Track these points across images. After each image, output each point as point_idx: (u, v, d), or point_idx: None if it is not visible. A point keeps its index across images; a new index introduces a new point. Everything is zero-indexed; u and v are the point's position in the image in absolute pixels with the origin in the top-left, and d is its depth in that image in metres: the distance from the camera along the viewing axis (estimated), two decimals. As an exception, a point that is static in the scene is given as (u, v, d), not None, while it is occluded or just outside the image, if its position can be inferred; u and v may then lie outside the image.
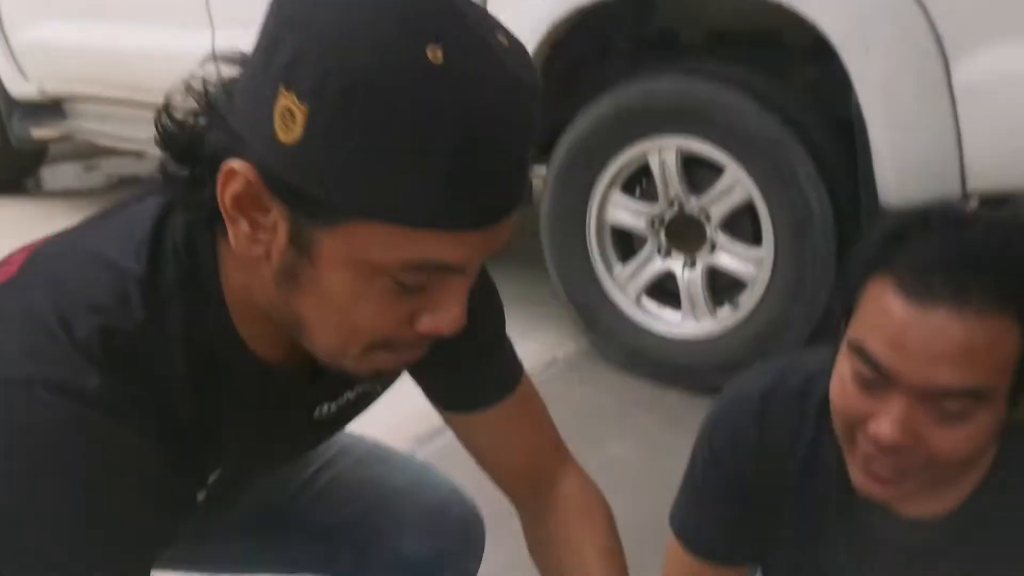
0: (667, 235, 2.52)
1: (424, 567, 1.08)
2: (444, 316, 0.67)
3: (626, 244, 2.62)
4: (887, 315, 0.80)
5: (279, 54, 0.60)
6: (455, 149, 0.59)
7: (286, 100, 0.59)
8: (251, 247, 0.65)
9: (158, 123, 0.69)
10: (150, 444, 0.66)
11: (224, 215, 0.64)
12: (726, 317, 2.47)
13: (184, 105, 0.68)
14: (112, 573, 0.65)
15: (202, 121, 0.67)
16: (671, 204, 2.47)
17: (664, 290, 2.59)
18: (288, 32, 0.60)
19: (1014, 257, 0.80)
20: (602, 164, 2.47)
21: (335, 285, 0.65)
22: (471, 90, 0.59)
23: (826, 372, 0.90)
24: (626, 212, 2.54)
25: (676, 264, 2.54)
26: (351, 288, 0.65)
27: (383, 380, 0.87)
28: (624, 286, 2.59)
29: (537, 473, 0.99)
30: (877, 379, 0.81)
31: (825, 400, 0.91)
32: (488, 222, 0.63)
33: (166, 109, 0.69)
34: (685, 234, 2.50)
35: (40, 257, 0.72)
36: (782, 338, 2.34)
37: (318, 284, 0.65)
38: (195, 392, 0.69)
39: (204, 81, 0.68)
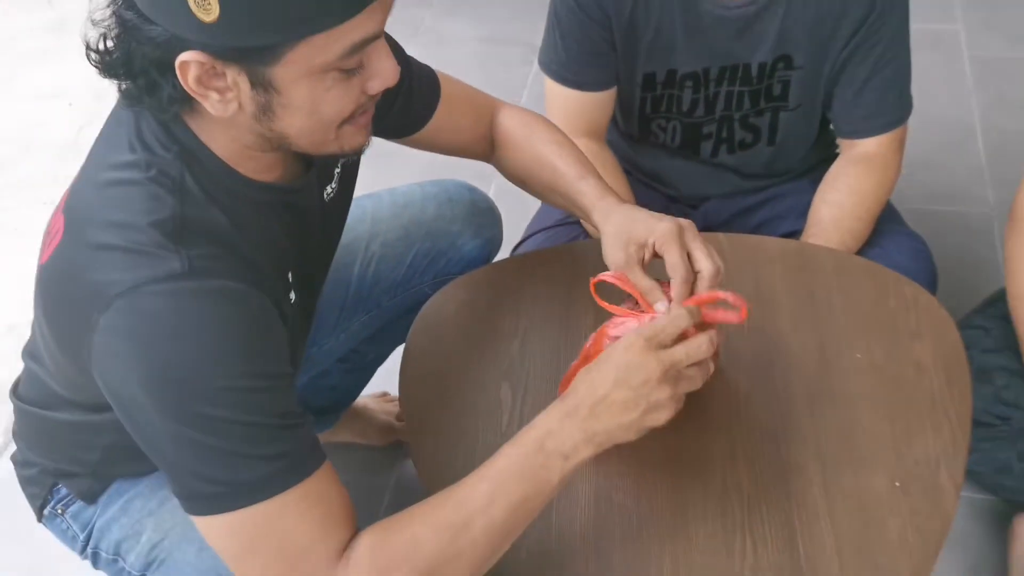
0: None
1: (482, 252, 1.38)
2: (386, 72, 0.84)
3: None
4: None
5: None
6: None
7: None
8: (225, 108, 0.80)
9: (89, 58, 0.83)
10: (241, 281, 0.81)
11: (193, 95, 0.79)
12: None
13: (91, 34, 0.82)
14: (277, 381, 0.82)
15: (123, 43, 0.80)
16: None
17: None
18: None
19: None
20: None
21: (300, 98, 0.80)
22: None
23: None
24: None
25: None
26: (312, 94, 0.81)
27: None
28: None
29: (486, 130, 1.22)
30: None
31: None
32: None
33: (88, 46, 0.82)
34: None
35: (73, 213, 0.86)
36: None
37: (288, 104, 0.81)
38: (241, 231, 0.85)
39: (112, 12, 0.80)
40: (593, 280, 1.00)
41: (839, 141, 1.44)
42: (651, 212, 1.05)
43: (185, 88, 0.78)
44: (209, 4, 0.72)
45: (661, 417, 0.85)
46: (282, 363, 0.84)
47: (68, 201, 0.88)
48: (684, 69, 1.37)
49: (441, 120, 1.17)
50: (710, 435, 1.02)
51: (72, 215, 0.86)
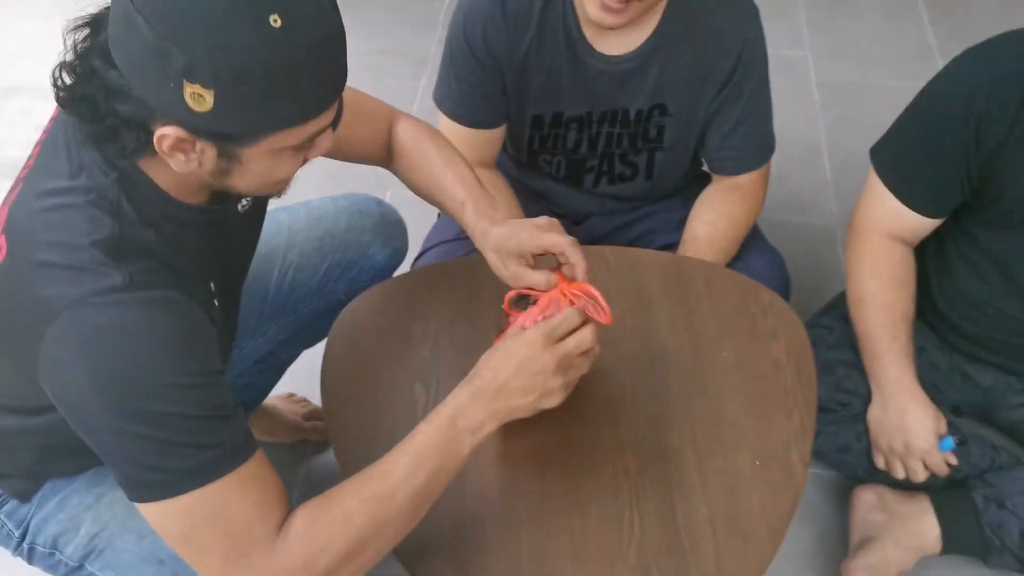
0: None
1: (390, 261, 1.49)
2: (324, 145, 0.96)
3: None
4: None
5: (172, 61, 0.80)
6: (312, 73, 0.85)
7: (192, 89, 0.81)
8: (187, 166, 0.90)
9: (57, 91, 0.90)
10: (174, 290, 0.90)
11: (161, 153, 0.88)
12: None
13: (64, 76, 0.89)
14: (212, 378, 0.91)
15: (91, 88, 0.86)
16: None
17: None
18: (175, 47, 0.80)
19: None
20: None
21: (258, 168, 0.92)
22: (305, 32, 0.83)
23: None
24: None
25: None
26: (268, 165, 0.92)
27: None
28: None
29: (384, 140, 1.31)
30: None
31: None
32: (335, 100, 0.92)
33: (56, 85, 0.89)
34: None
35: (15, 235, 0.93)
36: None
37: (245, 171, 0.92)
38: (171, 247, 0.94)
39: (86, 61, 0.87)
40: (508, 296, 1.14)
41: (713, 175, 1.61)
42: (522, 222, 1.18)
43: (156, 147, 0.87)
44: (203, 99, 0.81)
45: (554, 400, 1.01)
46: (215, 361, 0.93)
47: (8, 223, 0.94)
48: (570, 112, 1.49)
49: (342, 132, 1.22)
50: (601, 426, 1.16)
51: (14, 236, 0.93)
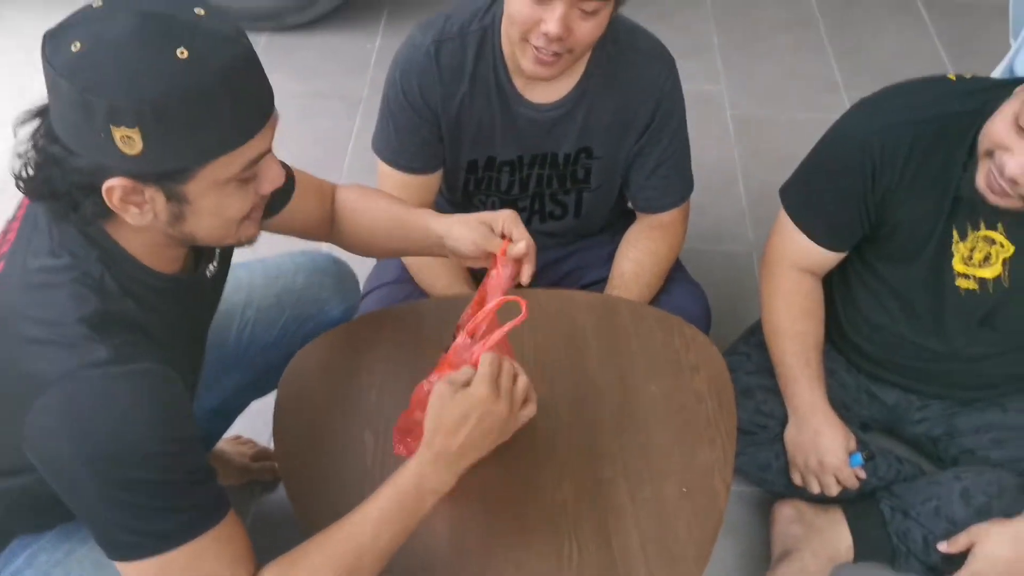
0: None
1: (345, 316, 1.55)
2: (273, 176, 1.01)
3: None
4: None
5: (96, 110, 0.86)
6: (230, 98, 0.90)
7: (119, 132, 0.86)
8: (143, 218, 0.95)
9: (18, 186, 0.96)
10: (156, 361, 0.95)
11: (115, 210, 0.93)
12: None
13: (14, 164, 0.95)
14: (189, 444, 0.97)
15: (46, 170, 0.92)
16: None
17: None
18: (93, 96, 0.85)
19: None
20: None
21: (208, 205, 0.96)
22: (213, 59, 0.88)
23: (476, 18, 1.48)
24: None
25: None
26: (217, 201, 0.96)
27: None
28: None
29: (328, 213, 1.38)
30: None
31: (480, 36, 1.48)
32: (263, 124, 0.96)
33: (15, 176, 0.95)
34: None
35: (2, 307, 0.97)
36: None
37: (197, 211, 0.96)
38: (150, 315, 1.00)
39: (37, 145, 0.93)
40: (458, 324, 1.21)
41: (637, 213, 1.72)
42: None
43: (109, 205, 0.93)
44: (133, 140, 0.87)
45: (508, 434, 1.09)
46: (192, 427, 0.99)
47: None
48: (502, 157, 1.59)
49: (292, 206, 1.33)
50: (540, 460, 1.25)
51: (2, 315, 0.97)
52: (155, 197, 0.93)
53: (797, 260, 1.59)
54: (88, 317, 0.93)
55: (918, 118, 1.41)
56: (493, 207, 1.68)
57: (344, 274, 1.57)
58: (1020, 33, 2.08)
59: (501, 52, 1.49)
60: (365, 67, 2.89)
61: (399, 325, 1.43)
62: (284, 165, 1.33)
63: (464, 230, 1.25)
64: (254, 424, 1.69)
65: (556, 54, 1.36)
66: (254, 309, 1.48)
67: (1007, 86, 1.34)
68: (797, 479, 1.61)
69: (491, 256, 1.24)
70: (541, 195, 1.66)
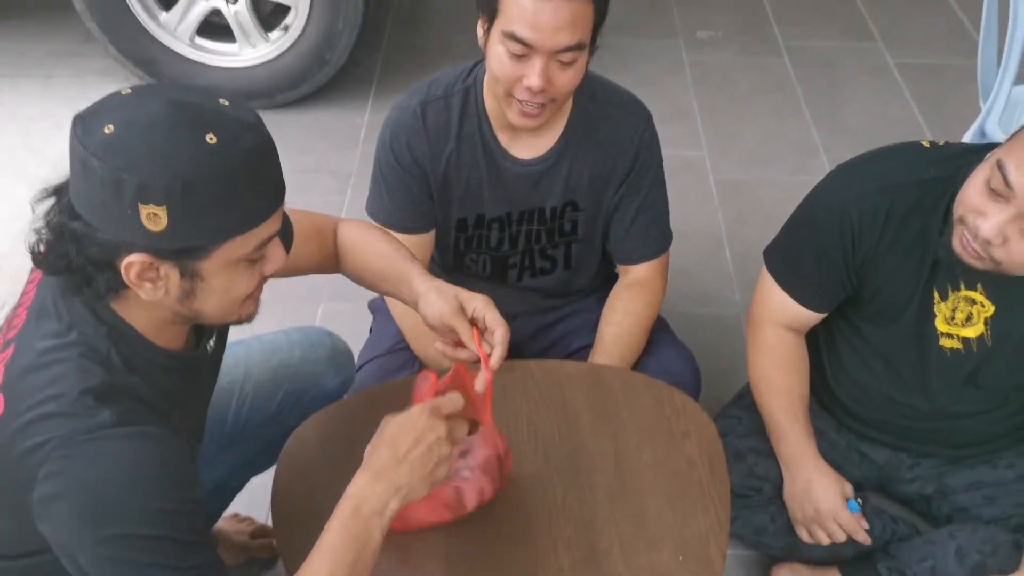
0: None
1: (340, 389, 1.58)
2: (277, 259, 1.07)
3: None
4: (523, 8, 1.35)
5: (126, 188, 0.91)
6: (250, 181, 0.96)
7: (147, 210, 0.92)
8: (155, 294, 1.00)
9: (35, 261, 1.02)
10: (159, 426, 0.99)
11: (130, 285, 0.98)
12: (280, 39, 2.86)
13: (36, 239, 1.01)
14: (193, 504, 0.99)
15: (63, 245, 0.97)
16: None
17: (217, 27, 2.88)
18: (126, 174, 0.91)
19: None
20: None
21: (219, 283, 1.01)
22: (238, 145, 0.94)
23: (459, 80, 1.56)
24: None
25: (219, 2, 2.83)
26: (228, 279, 1.01)
27: None
28: (175, 31, 2.85)
29: (332, 250, 1.42)
30: (524, 52, 1.37)
31: (463, 96, 1.55)
32: (277, 207, 1.03)
33: (33, 252, 1.01)
34: None
35: (12, 391, 1.01)
36: (335, 46, 2.84)
37: (208, 289, 1.01)
38: (154, 389, 1.03)
39: (53, 222, 0.98)
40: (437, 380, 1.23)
41: (617, 267, 1.77)
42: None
43: (125, 280, 0.97)
44: (159, 217, 0.92)
45: (442, 472, 1.11)
46: (196, 489, 1.02)
47: (6, 381, 1.02)
48: (491, 214, 1.64)
49: (293, 253, 1.35)
50: (536, 533, 1.26)
51: (11, 393, 1.00)
52: (170, 274, 0.98)
53: (780, 318, 1.62)
54: (93, 388, 0.97)
55: (893, 184, 1.45)
56: (484, 266, 1.72)
57: (339, 348, 1.60)
58: (988, 97, 2.15)
59: (485, 110, 1.55)
60: (355, 142, 2.95)
61: (394, 401, 1.44)
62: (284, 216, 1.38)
63: (437, 299, 1.27)
64: (252, 501, 1.70)
65: (540, 105, 1.43)
66: (252, 385, 1.50)
67: (978, 152, 1.39)
68: (804, 535, 1.62)
69: (452, 331, 1.27)
70: (531, 251, 1.70)
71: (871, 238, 1.46)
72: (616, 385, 1.48)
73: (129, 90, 0.97)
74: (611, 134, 1.60)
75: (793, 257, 1.58)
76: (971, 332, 1.49)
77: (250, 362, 1.52)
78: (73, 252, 0.97)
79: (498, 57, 1.41)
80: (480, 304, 1.26)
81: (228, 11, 2.86)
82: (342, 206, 2.68)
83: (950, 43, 3.48)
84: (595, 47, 1.45)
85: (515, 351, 1.77)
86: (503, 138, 1.57)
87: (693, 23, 3.58)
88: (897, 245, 1.46)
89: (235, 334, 1.34)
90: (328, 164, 2.86)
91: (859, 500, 1.59)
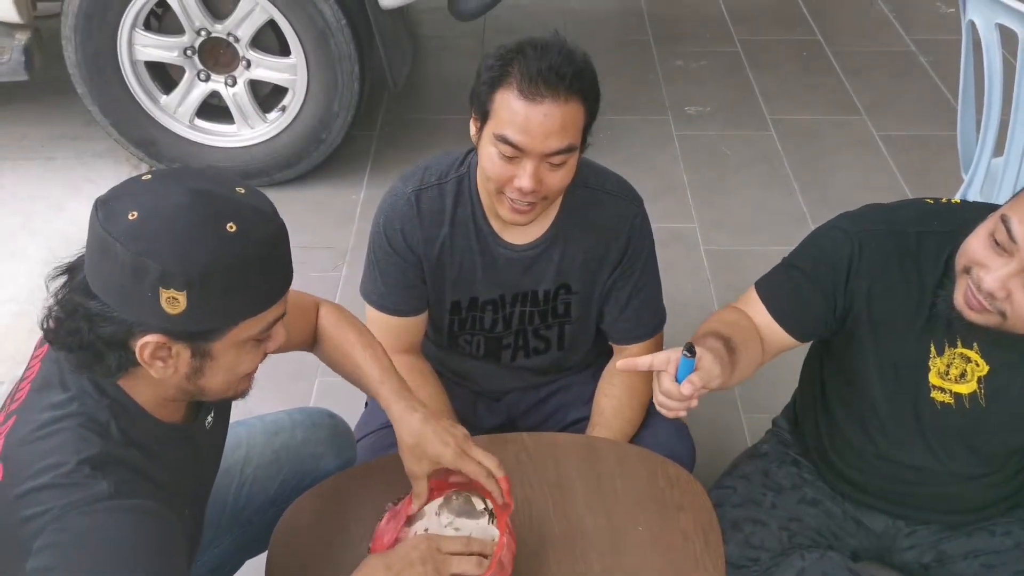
0: (202, 60, 2.87)
1: (340, 471, 1.57)
2: (280, 338, 1.11)
3: (165, 76, 2.95)
4: (514, 113, 1.38)
5: (148, 273, 0.95)
6: (265, 267, 1.02)
7: (167, 294, 0.96)
8: (165, 372, 1.03)
9: (47, 336, 1.05)
10: (155, 500, 1.01)
11: (143, 363, 1.01)
12: (277, 119, 2.92)
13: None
14: None
15: (75, 322, 1.00)
16: (198, 33, 2.81)
17: (215, 108, 2.95)
18: (149, 260, 0.95)
19: (578, 65, 1.40)
20: (122, 6, 2.75)
21: (227, 361, 1.05)
22: (256, 234, 0.99)
23: (453, 168, 1.59)
24: (155, 48, 2.85)
25: (218, 84, 2.89)
26: (235, 357, 1.06)
27: None
28: (175, 113, 2.92)
29: (312, 328, 1.45)
30: (515, 154, 1.40)
31: (457, 184, 1.58)
32: (286, 290, 1.08)
33: (45, 328, 1.04)
34: (219, 56, 2.87)
35: (10, 463, 1.02)
36: (331, 126, 2.90)
37: (215, 367, 1.05)
38: (152, 461, 1.06)
39: (65, 299, 1.02)
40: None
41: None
42: (436, 428, 1.31)
43: (138, 359, 1.00)
44: (178, 301, 0.96)
45: None
46: (185, 568, 1.03)
47: (5, 451, 1.03)
48: (484, 297, 1.66)
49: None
50: (532, 607, 1.26)
51: (10, 462, 1.01)
52: (181, 353, 1.02)
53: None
54: (90, 458, 0.99)
55: (898, 230, 1.47)
56: (478, 347, 1.73)
57: (340, 429, 1.61)
58: (969, 168, 2.20)
59: (478, 197, 1.58)
60: (351, 218, 3.00)
61: (388, 476, 1.45)
62: None
63: (410, 452, 1.32)
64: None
65: (531, 203, 1.46)
66: (253, 467, 1.51)
67: (980, 210, 1.41)
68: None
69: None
70: (524, 331, 1.72)
71: (870, 272, 1.46)
72: (610, 457, 1.48)
73: (149, 176, 1.02)
74: (603, 220, 1.62)
75: (786, 277, 1.54)
76: (964, 389, 1.49)
77: (252, 443, 1.53)
78: (85, 329, 1.00)
79: (489, 157, 1.44)
80: (450, 455, 1.29)
81: (227, 93, 2.93)
82: (338, 282, 2.71)
83: (933, 115, 3.56)
84: (586, 146, 1.48)
85: (510, 426, 1.79)
86: (496, 224, 1.59)
87: (681, 99, 3.68)
88: (895, 291, 1.46)
89: (237, 413, 1.35)
90: (325, 240, 2.90)
91: (687, 353, 1.26)
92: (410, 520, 1.28)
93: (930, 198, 1.53)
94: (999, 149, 2.19)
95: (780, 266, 1.61)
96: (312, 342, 1.45)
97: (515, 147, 1.39)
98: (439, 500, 1.30)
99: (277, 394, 2.06)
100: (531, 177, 1.41)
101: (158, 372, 1.02)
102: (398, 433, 1.32)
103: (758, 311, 1.57)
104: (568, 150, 1.41)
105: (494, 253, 1.61)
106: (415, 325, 1.68)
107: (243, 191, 1.03)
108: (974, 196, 2.17)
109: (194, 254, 0.95)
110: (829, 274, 1.49)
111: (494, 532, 1.25)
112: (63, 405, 1.03)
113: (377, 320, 1.66)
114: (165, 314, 0.97)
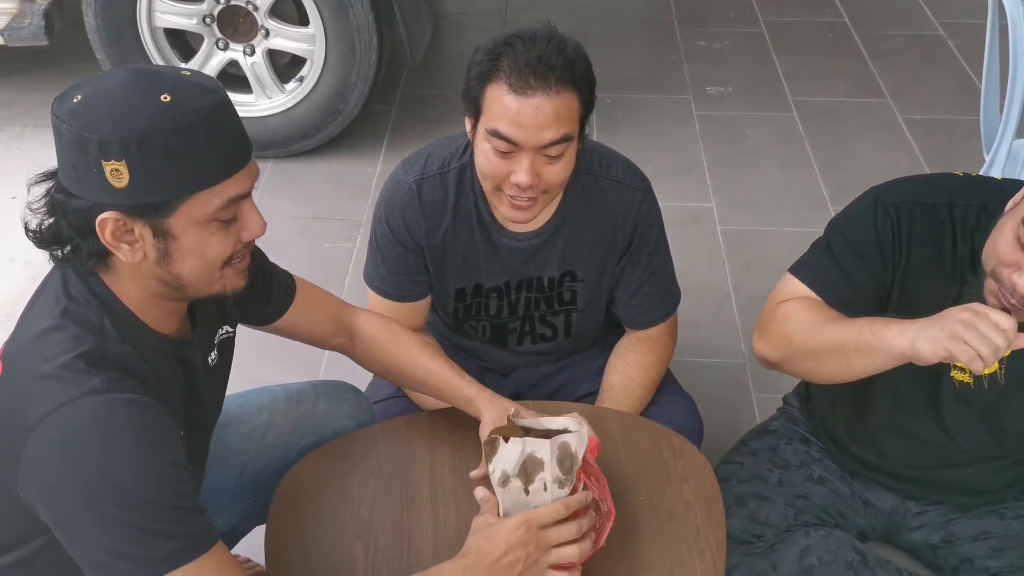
0: (221, 29, 2.86)
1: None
2: (254, 225, 1.10)
3: (184, 44, 2.94)
4: (505, 107, 1.35)
5: (90, 147, 0.98)
6: (207, 136, 1.01)
7: (109, 167, 0.98)
8: (134, 256, 1.04)
9: (28, 236, 1.07)
10: (146, 396, 1.03)
11: (108, 248, 1.03)
12: (295, 90, 2.92)
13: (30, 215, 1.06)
14: (182, 470, 1.03)
15: (53, 220, 1.04)
16: (217, 0, 2.80)
17: (234, 77, 2.93)
18: (89, 133, 0.98)
19: (568, 55, 1.37)
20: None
21: (190, 242, 1.05)
22: (193, 103, 1.00)
23: (456, 156, 1.56)
24: (174, 16, 2.84)
25: (237, 54, 2.89)
26: (199, 238, 1.05)
27: (231, 318, 1.32)
28: None
29: (343, 327, 1.48)
30: (509, 149, 1.38)
31: (459, 173, 1.56)
32: (244, 162, 1.07)
33: (26, 228, 1.06)
34: (238, 25, 2.87)
35: (10, 358, 1.07)
36: (348, 98, 2.90)
37: (181, 249, 1.05)
38: (147, 365, 1.08)
39: (46, 199, 1.05)
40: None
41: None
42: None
43: (102, 242, 1.02)
44: (120, 173, 0.99)
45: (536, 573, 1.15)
46: (183, 455, 1.04)
47: (6, 350, 1.08)
48: (489, 284, 1.64)
49: (297, 315, 1.41)
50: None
51: (9, 360, 1.05)
52: (143, 234, 1.03)
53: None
54: (85, 354, 1.01)
55: (929, 203, 1.44)
56: (484, 332, 1.72)
57: (363, 405, 1.60)
58: (991, 148, 2.16)
59: (480, 187, 1.54)
60: (367, 191, 3.00)
61: (391, 439, 1.46)
62: (288, 275, 1.42)
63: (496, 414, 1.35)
64: (252, 543, 1.69)
65: (531, 198, 1.43)
66: (274, 434, 1.51)
67: (1008, 184, 1.39)
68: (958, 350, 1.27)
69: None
70: (530, 317, 1.70)
71: (909, 245, 1.43)
72: (614, 427, 1.48)
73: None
74: (608, 207, 1.59)
75: (830, 259, 1.47)
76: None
77: (274, 410, 1.53)
78: (63, 225, 1.03)
79: (485, 154, 1.41)
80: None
81: (245, 63, 2.93)
82: (351, 253, 2.72)
83: (959, 99, 3.51)
84: (584, 136, 1.45)
85: (518, 399, 1.78)
86: (499, 213, 1.56)
87: (703, 79, 3.65)
88: (927, 265, 1.43)
89: (249, 380, 1.33)
90: (340, 211, 2.90)
91: None
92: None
93: (959, 172, 1.50)
94: (1022, 130, 2.15)
95: (819, 250, 1.53)
96: (344, 344, 1.48)
97: (509, 141, 1.37)
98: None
99: (286, 361, 2.07)
100: (527, 171, 1.38)
101: (126, 256, 1.03)
102: (484, 412, 1.37)
103: (800, 292, 1.50)
104: (564, 140, 1.38)
105: (497, 242, 1.59)
106: (417, 309, 1.67)
107: (188, 72, 1.05)
108: (995, 176, 2.13)
109: (128, 122, 0.98)
110: (876, 252, 1.45)
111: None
112: (56, 307, 1.05)
113: (379, 304, 1.65)
114: (113, 188, 0.99)
